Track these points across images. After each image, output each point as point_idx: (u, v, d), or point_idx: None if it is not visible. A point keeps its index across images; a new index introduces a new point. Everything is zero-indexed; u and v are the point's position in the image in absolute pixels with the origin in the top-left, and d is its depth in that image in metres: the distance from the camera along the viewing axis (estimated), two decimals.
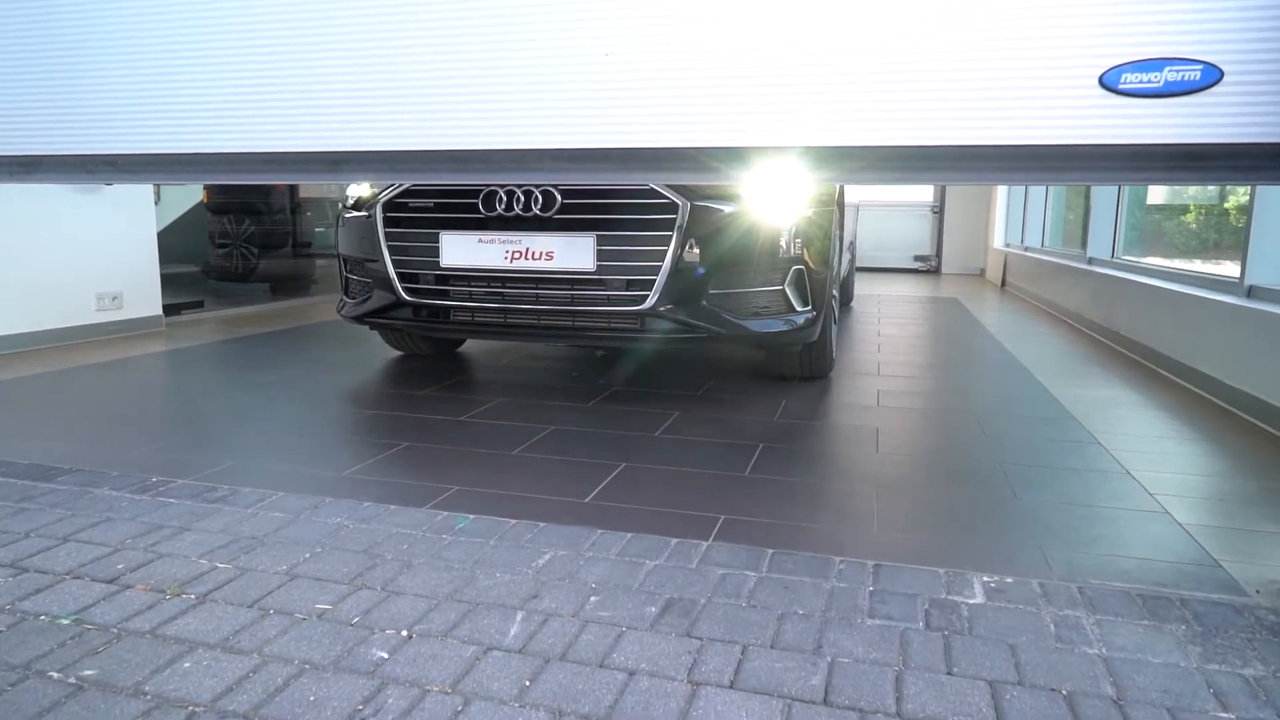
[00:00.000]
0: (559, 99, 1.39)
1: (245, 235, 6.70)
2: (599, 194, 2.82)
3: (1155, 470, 2.29)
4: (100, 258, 4.32)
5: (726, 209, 2.83)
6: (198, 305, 5.21)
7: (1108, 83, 1.19)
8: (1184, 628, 1.40)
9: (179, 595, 1.46)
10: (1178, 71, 1.17)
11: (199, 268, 7.23)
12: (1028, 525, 1.86)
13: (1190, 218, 5.23)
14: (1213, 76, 1.15)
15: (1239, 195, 4.58)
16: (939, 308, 6.36)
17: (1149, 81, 1.18)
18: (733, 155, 1.36)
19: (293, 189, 7.37)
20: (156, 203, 8.69)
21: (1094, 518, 1.92)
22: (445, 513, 1.87)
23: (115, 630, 1.34)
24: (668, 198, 2.77)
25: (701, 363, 3.78)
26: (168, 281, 4.94)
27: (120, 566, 1.57)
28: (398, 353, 3.93)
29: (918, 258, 10.39)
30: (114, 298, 4.40)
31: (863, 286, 7.95)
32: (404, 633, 1.34)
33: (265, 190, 6.82)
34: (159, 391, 3.17)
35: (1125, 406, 3.08)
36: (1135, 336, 4.18)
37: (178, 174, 1.62)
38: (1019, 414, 2.90)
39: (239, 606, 1.42)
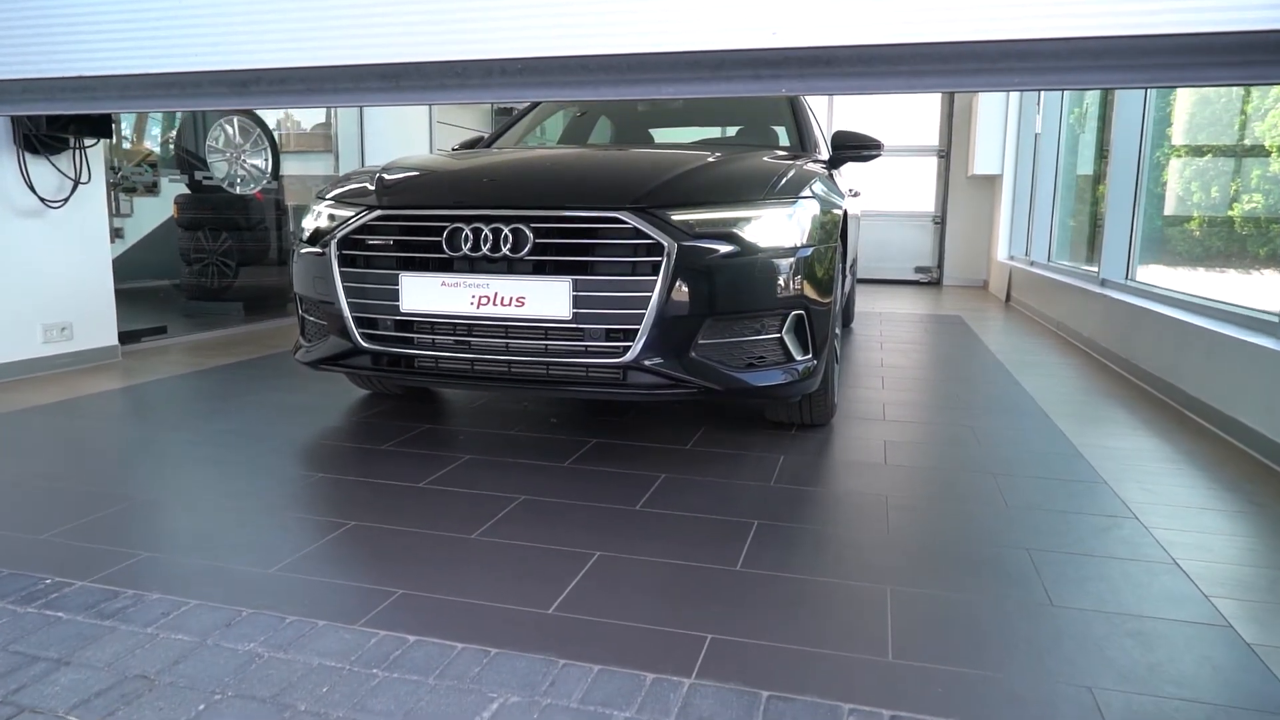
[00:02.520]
0: None
1: (222, 249, 6.39)
2: (575, 233, 2.53)
3: (1204, 558, 2.01)
4: (47, 285, 4.02)
5: (719, 248, 2.53)
6: (160, 331, 4.91)
7: None
8: None
9: None
10: None
11: (173, 283, 6.93)
12: (1070, 647, 1.58)
13: (1212, 230, 4.93)
14: None
15: (1254, 199, 4.30)
16: (943, 329, 6.07)
17: None
18: (729, 61, 1.05)
19: (278, 199, 7.04)
20: (129, 215, 8.39)
21: (1145, 634, 1.63)
22: (380, 634, 1.58)
23: None
24: (652, 237, 2.48)
25: (692, 406, 3.49)
26: (134, 303, 4.66)
27: None
28: (364, 392, 3.64)
29: (919, 269, 10.11)
30: (63, 328, 4.09)
31: (863, 302, 7.67)
32: None
33: (243, 202, 6.50)
34: (89, 447, 2.87)
35: (1157, 462, 2.79)
36: (1159, 373, 3.89)
37: (59, 101, 1.36)
38: (1042, 475, 2.61)
39: None
